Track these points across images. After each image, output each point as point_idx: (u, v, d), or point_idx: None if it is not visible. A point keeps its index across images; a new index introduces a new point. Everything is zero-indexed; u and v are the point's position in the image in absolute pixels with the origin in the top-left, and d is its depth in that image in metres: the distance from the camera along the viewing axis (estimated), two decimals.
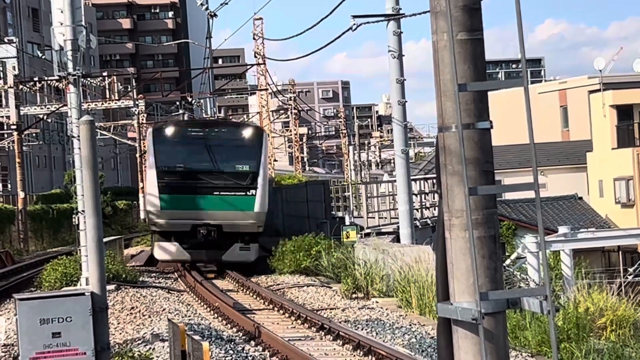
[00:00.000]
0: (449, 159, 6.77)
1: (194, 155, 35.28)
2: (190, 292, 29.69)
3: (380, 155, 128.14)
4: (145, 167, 45.52)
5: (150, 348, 18.86)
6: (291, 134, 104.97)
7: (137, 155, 77.61)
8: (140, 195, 72.72)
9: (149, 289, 29.22)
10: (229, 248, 34.71)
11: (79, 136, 21.02)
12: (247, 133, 35.94)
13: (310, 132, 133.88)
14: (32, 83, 59.31)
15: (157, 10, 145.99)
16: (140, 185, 72.28)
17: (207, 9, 44.90)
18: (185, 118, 53.71)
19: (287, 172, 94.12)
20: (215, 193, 34.48)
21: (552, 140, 63.05)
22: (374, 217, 41.93)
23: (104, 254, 12.47)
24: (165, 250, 35.23)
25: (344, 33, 29.29)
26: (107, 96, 67.89)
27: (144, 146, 46.51)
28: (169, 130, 35.80)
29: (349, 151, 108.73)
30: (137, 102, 70.02)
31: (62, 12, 24.99)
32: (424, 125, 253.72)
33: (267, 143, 37.12)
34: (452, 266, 6.83)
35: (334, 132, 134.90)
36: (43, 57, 68.60)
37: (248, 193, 34.45)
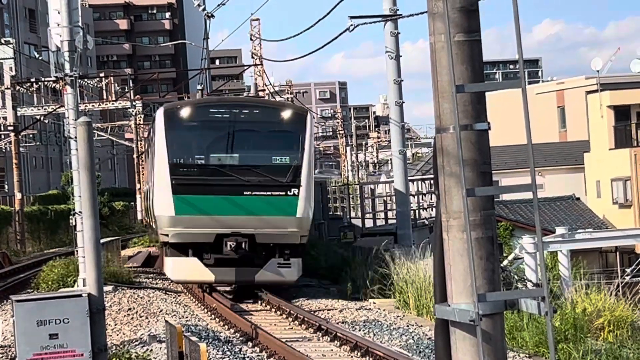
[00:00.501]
0: (446, 160, 6.77)
1: (218, 144, 27.23)
2: (187, 293, 29.67)
3: (377, 156, 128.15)
4: (148, 161, 39.26)
5: (147, 349, 18.84)
6: None
7: (135, 156, 77.60)
8: (138, 196, 72.71)
9: (146, 290, 29.20)
10: (264, 264, 26.49)
11: (76, 137, 21.03)
12: (286, 115, 27.42)
13: None
14: (29, 84, 59.23)
15: (154, 11, 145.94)
16: (138, 186, 72.27)
17: (204, 9, 44.89)
18: (204, 96, 42.43)
19: None
20: (246, 193, 26.51)
21: (549, 141, 63.06)
22: (370, 218, 41.92)
23: (101, 255, 12.47)
24: (180, 268, 26.87)
25: (341, 34, 29.34)
26: (104, 97, 67.89)
27: (149, 136, 36.83)
28: (186, 112, 27.32)
29: (346, 152, 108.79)
30: (134, 103, 69.99)
31: (59, 13, 24.97)
32: (422, 126, 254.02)
33: (312, 128, 27.61)
34: (449, 267, 6.83)
35: (331, 133, 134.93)
36: (40, 58, 68.58)
37: (289, 193, 26.51)
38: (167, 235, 26.59)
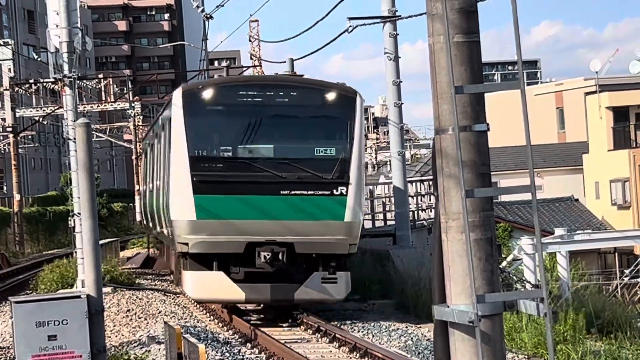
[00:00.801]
0: (445, 162, 6.77)
1: (249, 133, 22.64)
2: (186, 295, 29.66)
3: (376, 157, 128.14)
4: (150, 156, 33.49)
5: (146, 351, 18.84)
6: None
7: (133, 157, 77.59)
8: (137, 197, 72.68)
9: (145, 292, 29.18)
10: (304, 280, 22.14)
11: (74, 138, 21.02)
12: (332, 96, 22.83)
13: None
14: (27, 85, 59.27)
15: (153, 13, 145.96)
16: (137, 187, 72.25)
17: (203, 11, 44.91)
18: (228, 74, 33.99)
19: None
20: (283, 193, 22.16)
21: (548, 142, 63.10)
22: (369, 219, 41.93)
23: (100, 257, 12.47)
24: (203, 285, 22.45)
25: (340, 35, 29.32)
26: (103, 98, 67.89)
27: (155, 127, 31.29)
28: (209, 94, 22.72)
29: None
30: (133, 105, 69.97)
31: (57, 14, 24.97)
32: (421, 127, 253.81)
33: (363, 112, 23.08)
34: (448, 268, 6.83)
35: None
36: (39, 59, 68.62)
37: (335, 192, 22.12)
38: (186, 244, 22.20)
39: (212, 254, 22.12)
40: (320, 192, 22.15)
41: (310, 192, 22.18)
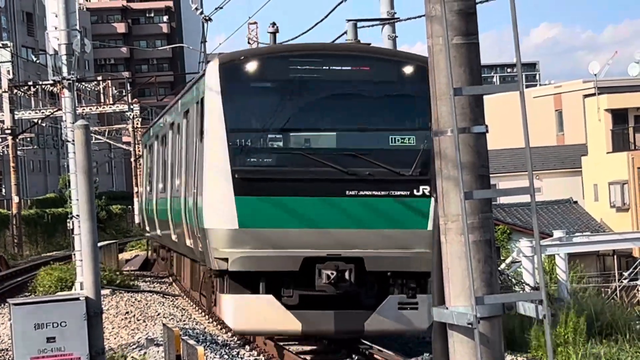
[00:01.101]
0: (444, 163, 6.76)
1: (305, 117, 17.81)
2: (185, 297, 29.66)
3: None
4: (158, 150, 29.54)
5: (144, 353, 18.84)
6: None
7: (132, 159, 77.57)
8: (136, 199, 72.65)
9: (144, 294, 29.18)
10: (377, 305, 17.18)
11: (73, 140, 21.03)
12: (410, 71, 17.63)
13: None
14: (26, 87, 59.40)
15: (152, 15, 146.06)
16: (135, 189, 72.22)
17: (201, 13, 44.90)
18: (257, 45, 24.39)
19: None
20: (349, 193, 17.28)
21: (547, 144, 63.13)
22: None
23: (99, 259, 12.48)
24: (247, 312, 17.39)
25: (339, 37, 29.31)
26: (102, 100, 67.99)
27: (174, 110, 25.47)
28: (254, 66, 17.57)
29: None
30: (131, 107, 70.02)
31: (56, 16, 24.97)
32: None
33: None
34: (447, 270, 6.82)
35: None
36: (37, 61, 68.57)
37: (416, 192, 17.18)
38: (225, 260, 17.24)
39: (259, 273, 17.18)
40: (397, 193, 17.16)
41: (384, 193, 17.20)
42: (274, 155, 17.47)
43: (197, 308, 26.54)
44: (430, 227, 16.07)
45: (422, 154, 16.98)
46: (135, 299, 27.59)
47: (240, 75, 17.54)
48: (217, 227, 17.34)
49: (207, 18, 43.66)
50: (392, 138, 17.34)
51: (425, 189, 16.96)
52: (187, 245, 21.26)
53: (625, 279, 39.27)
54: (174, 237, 23.97)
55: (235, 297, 17.40)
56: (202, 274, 21.47)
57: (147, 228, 34.54)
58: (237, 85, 17.57)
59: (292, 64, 17.66)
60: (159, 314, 24.52)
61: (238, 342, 20.46)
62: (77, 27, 25.31)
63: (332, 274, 16.83)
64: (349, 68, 17.87)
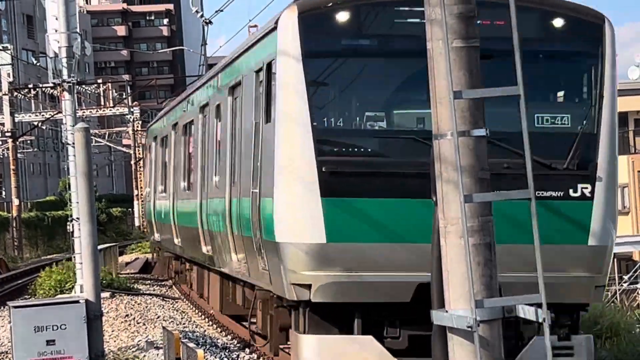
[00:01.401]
0: (444, 166, 6.77)
1: (418, 90, 12.26)
2: (184, 300, 29.65)
3: None
4: (173, 145, 25.71)
5: (144, 355, 18.84)
6: None
7: (132, 162, 77.58)
8: (136, 202, 72.66)
9: (144, 297, 29.17)
10: (519, 348, 12.23)
11: (73, 143, 21.04)
12: (562, 24, 12.91)
13: None
14: (26, 90, 59.41)
15: (152, 18, 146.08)
16: (135, 192, 72.21)
17: (202, 16, 44.93)
18: None
19: None
20: None
21: None
22: None
23: (99, 262, 12.48)
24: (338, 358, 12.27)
25: None
26: (102, 103, 67.99)
27: (212, 83, 19.21)
28: (345, 16, 12.47)
29: None
30: (132, 109, 70.04)
31: (56, 19, 24.96)
32: None
33: (615, 54, 13.95)
34: (447, 273, 6.82)
35: None
36: (38, 64, 68.71)
37: (572, 192, 12.62)
38: (307, 287, 12.41)
39: (354, 305, 12.45)
40: (546, 194, 12.42)
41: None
42: (375, 140, 12.70)
43: (197, 311, 26.55)
44: (591, 241, 12.63)
45: (580, 139, 12.84)
46: (135, 302, 27.59)
47: (329, 30, 12.60)
48: (295, 241, 12.42)
49: (207, 21, 43.68)
50: (538, 117, 12.76)
51: (585, 188, 12.68)
52: (231, 262, 16.50)
53: (625, 282, 39.27)
54: (205, 249, 19.33)
55: (320, 338, 12.49)
56: (259, 303, 15.90)
57: (156, 235, 30.61)
58: (325, 43, 12.72)
59: (400, 15, 12.69)
60: (158, 317, 24.52)
61: (238, 345, 20.47)
62: (78, 30, 25.29)
63: None
64: (478, 22, 11.26)
